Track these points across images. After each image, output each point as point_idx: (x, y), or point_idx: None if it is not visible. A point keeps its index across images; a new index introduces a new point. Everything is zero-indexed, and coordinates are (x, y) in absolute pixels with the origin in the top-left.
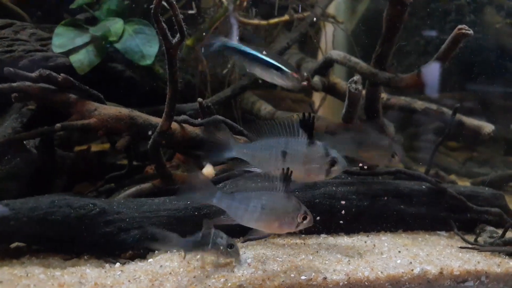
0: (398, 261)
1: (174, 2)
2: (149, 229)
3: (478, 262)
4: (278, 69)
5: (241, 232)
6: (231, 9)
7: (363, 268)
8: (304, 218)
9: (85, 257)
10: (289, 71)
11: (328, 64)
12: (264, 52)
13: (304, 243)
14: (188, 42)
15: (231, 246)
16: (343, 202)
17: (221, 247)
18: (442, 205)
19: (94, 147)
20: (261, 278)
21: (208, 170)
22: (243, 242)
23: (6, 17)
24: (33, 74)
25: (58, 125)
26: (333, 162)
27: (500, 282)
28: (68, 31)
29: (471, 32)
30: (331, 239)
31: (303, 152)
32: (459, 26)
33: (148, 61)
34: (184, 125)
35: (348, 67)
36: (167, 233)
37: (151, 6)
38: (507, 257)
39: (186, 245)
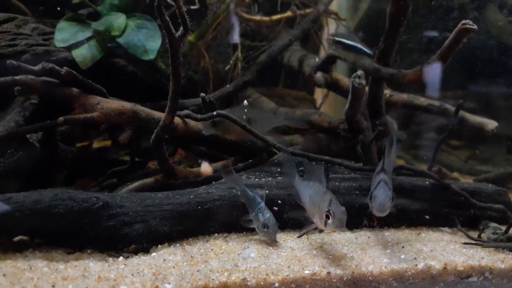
0: (402, 256)
1: None
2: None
3: (482, 258)
4: None
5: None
6: (232, 6)
7: (366, 263)
8: None
9: (88, 250)
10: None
11: (331, 60)
12: None
13: (308, 238)
14: (191, 38)
15: (265, 226)
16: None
17: (259, 223)
18: (445, 201)
19: (96, 144)
20: (264, 272)
21: (206, 167)
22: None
23: (8, 12)
24: (36, 68)
25: (61, 118)
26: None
27: (504, 278)
28: (71, 26)
29: (475, 27)
30: (334, 234)
31: (318, 198)
32: (463, 21)
33: (151, 56)
34: (186, 120)
35: (350, 63)
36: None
37: None
38: (511, 253)
39: (241, 189)
